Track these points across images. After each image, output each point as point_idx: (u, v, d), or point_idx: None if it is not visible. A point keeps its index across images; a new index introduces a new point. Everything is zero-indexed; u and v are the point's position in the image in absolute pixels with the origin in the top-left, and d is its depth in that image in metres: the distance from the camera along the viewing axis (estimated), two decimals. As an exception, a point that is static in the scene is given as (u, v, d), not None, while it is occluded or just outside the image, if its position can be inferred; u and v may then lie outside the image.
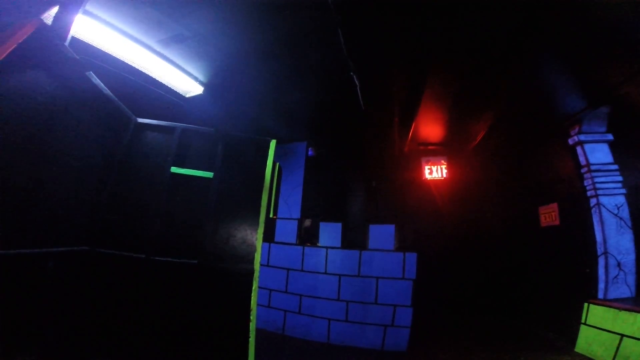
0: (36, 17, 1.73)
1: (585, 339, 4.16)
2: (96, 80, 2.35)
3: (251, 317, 2.67)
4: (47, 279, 2.18)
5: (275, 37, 3.35)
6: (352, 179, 6.92)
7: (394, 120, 5.20)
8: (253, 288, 2.73)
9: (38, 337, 2.18)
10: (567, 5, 2.66)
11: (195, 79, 4.04)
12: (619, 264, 4.28)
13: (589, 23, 2.85)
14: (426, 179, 6.80)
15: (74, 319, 2.48)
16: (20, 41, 1.61)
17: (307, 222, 5.52)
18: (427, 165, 6.79)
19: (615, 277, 4.26)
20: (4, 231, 1.77)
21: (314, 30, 3.25)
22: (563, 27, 2.95)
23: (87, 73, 2.22)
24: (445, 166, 6.77)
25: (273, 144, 3.14)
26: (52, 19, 1.90)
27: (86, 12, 2.72)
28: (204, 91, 4.26)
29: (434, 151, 6.69)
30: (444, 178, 6.77)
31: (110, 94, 2.56)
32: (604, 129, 4.68)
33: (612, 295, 4.22)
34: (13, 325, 1.96)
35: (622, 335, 3.66)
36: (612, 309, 3.90)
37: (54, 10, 1.93)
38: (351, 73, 3.79)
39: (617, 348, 3.67)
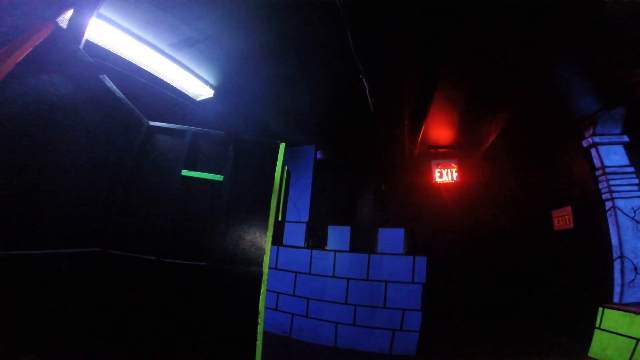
0: (51, 21, 1.75)
1: (600, 344, 4.06)
2: (110, 84, 2.37)
3: (259, 320, 2.66)
4: (60, 280, 2.20)
5: (285, 41, 3.36)
6: (361, 182, 6.88)
7: (403, 123, 5.16)
8: (261, 291, 2.72)
9: (50, 337, 2.20)
10: (584, 6, 2.61)
11: (206, 82, 4.07)
12: (635, 268, 4.17)
13: (606, 24, 2.79)
14: (436, 182, 6.73)
15: (85, 319, 2.49)
16: (36, 44, 1.63)
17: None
18: (438, 168, 6.72)
19: (632, 281, 4.15)
20: (18, 232, 1.79)
21: (323, 33, 3.25)
22: (580, 28, 2.89)
23: (100, 76, 2.25)
24: (455, 169, 6.70)
25: (282, 147, 3.13)
26: (67, 23, 1.93)
27: (100, 16, 2.76)
28: (214, 94, 4.28)
29: (444, 154, 6.63)
30: (455, 181, 6.69)
31: (123, 97, 2.58)
32: (619, 130, 4.58)
33: (628, 299, 4.12)
34: (26, 325, 1.98)
35: (638, 340, 3.58)
36: (628, 313, 3.81)
37: (69, 13, 1.96)
38: (360, 76, 3.77)
39: (633, 352, 3.59)
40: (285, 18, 3.05)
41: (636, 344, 3.58)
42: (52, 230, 2.08)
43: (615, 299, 4.17)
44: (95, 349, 2.54)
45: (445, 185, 6.77)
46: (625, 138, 4.56)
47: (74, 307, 2.40)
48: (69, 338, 2.37)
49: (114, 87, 2.44)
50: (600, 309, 4.20)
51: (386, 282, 4.52)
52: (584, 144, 4.79)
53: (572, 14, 2.75)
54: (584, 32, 2.97)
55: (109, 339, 2.59)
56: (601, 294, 4.33)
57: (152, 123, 2.98)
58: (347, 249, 4.87)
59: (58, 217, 2.11)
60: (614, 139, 4.59)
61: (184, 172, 2.91)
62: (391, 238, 4.68)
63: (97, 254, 2.60)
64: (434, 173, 6.73)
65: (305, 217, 5.42)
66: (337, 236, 5.00)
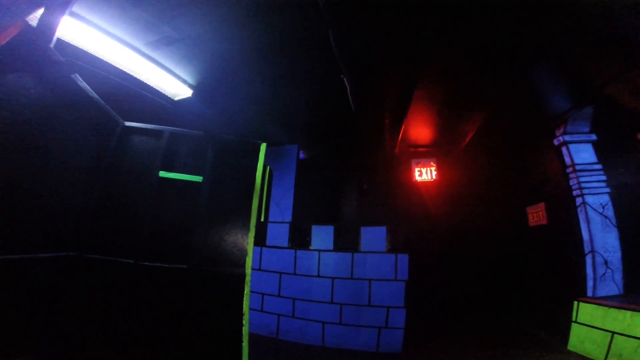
0: (21, 19, 1.69)
1: (577, 337, 4.21)
2: (82, 83, 2.31)
3: (244, 322, 2.64)
4: (35, 285, 2.13)
5: (266, 40, 3.35)
6: (343, 182, 6.93)
7: (384, 122, 5.24)
8: (245, 292, 2.71)
9: (26, 343, 2.12)
10: (555, 8, 2.72)
11: (184, 81, 4.01)
12: (606, 262, 4.36)
13: (576, 25, 2.92)
14: (416, 180, 6.85)
15: (62, 325, 2.42)
16: (3, 43, 1.57)
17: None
18: (417, 167, 6.84)
19: (603, 274, 4.33)
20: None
21: (304, 33, 3.26)
22: (552, 31, 3.02)
23: (72, 75, 2.19)
24: (434, 168, 6.84)
25: (263, 147, 3.13)
26: (37, 21, 1.86)
27: (72, 14, 2.67)
28: (193, 94, 4.22)
29: (423, 153, 6.76)
30: (434, 180, 6.83)
31: (97, 97, 2.52)
32: (587, 129, 4.79)
33: (600, 293, 4.29)
34: (5, 328, 1.91)
35: (613, 333, 3.71)
36: (601, 307, 3.96)
37: (39, 12, 1.89)
38: (341, 76, 3.80)
39: (609, 345, 3.71)
40: (266, 18, 3.04)
41: (611, 337, 3.71)
42: (25, 235, 2.02)
43: (589, 293, 4.32)
44: (73, 355, 2.46)
45: (425, 183, 6.91)
46: (594, 136, 4.78)
47: (50, 313, 2.32)
48: (45, 345, 2.30)
49: (87, 87, 2.37)
50: (576, 302, 4.35)
51: (370, 280, 4.57)
52: (556, 142, 4.99)
53: (543, 17, 2.86)
54: (555, 34, 3.09)
55: (87, 345, 2.52)
56: (576, 288, 4.48)
57: (127, 123, 2.91)
58: (331, 248, 4.90)
59: (31, 220, 2.05)
60: (583, 137, 4.80)
61: (162, 174, 2.86)
62: (373, 236, 4.74)
63: (73, 259, 2.53)
64: (414, 172, 6.85)
65: (288, 217, 5.41)
66: (321, 236, 5.02)
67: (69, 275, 2.47)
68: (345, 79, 3.86)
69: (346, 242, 5.00)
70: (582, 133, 4.80)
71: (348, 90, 4.07)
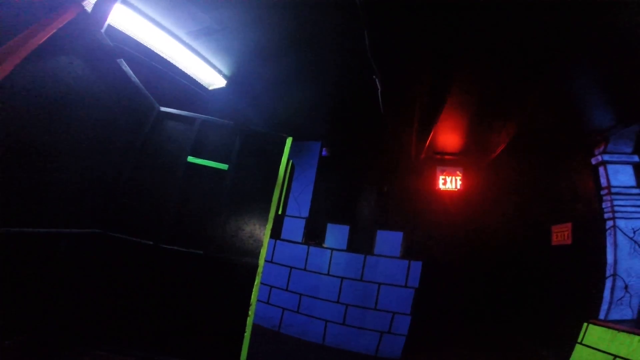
0: (77, 3, 1.80)
1: (578, 359, 4.07)
2: (126, 68, 2.43)
3: (249, 312, 2.69)
4: (58, 259, 2.23)
5: (301, 36, 3.38)
6: (363, 183, 6.90)
7: (412, 127, 5.14)
8: (255, 283, 2.75)
9: (44, 316, 2.24)
10: (603, 14, 2.55)
11: (220, 72, 4.11)
12: (626, 287, 4.15)
13: (627, 34, 2.73)
14: (439, 188, 6.69)
15: (80, 299, 2.54)
16: (60, 26, 1.69)
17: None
18: (442, 175, 6.67)
19: (620, 299, 4.13)
20: (20, 210, 1.81)
21: (338, 31, 3.26)
22: (599, 39, 2.83)
23: (118, 60, 2.31)
24: (460, 177, 6.65)
25: (289, 141, 3.18)
26: (92, 6, 1.98)
27: (124, 2, 2.79)
28: (226, 84, 4.33)
29: (450, 161, 6.57)
30: (458, 189, 6.65)
31: (138, 81, 2.63)
32: (630, 149, 4.47)
33: (614, 316, 4.11)
34: (20, 303, 2.01)
35: (616, 357, 3.56)
36: (610, 330, 3.79)
37: (95, -3, 2.01)
38: (374, 77, 3.78)
39: (608, 369, 3.56)
40: (303, 14, 3.07)
41: (612, 361, 3.56)
42: (53, 210, 2.10)
43: (602, 316, 4.15)
44: (87, 329, 2.58)
45: (448, 192, 6.73)
46: (636, 158, 4.46)
47: (71, 287, 2.44)
48: (62, 318, 2.42)
49: (129, 72, 2.49)
50: (585, 324, 4.17)
51: (379, 284, 4.56)
52: (593, 161, 4.69)
53: (593, 20, 2.67)
54: (604, 42, 2.88)
55: (102, 320, 2.63)
56: (589, 310, 4.31)
57: (162, 109, 3.03)
58: (345, 248, 4.91)
59: (60, 196, 2.13)
60: (624, 158, 4.49)
61: (190, 159, 2.96)
62: (389, 240, 4.71)
63: (97, 236, 2.63)
64: (438, 179, 6.68)
65: (305, 213, 5.46)
66: (336, 234, 5.03)
67: (91, 251, 2.57)
68: (376, 80, 3.83)
69: (360, 243, 4.99)
70: (624, 153, 4.49)
71: (379, 91, 4.04)
